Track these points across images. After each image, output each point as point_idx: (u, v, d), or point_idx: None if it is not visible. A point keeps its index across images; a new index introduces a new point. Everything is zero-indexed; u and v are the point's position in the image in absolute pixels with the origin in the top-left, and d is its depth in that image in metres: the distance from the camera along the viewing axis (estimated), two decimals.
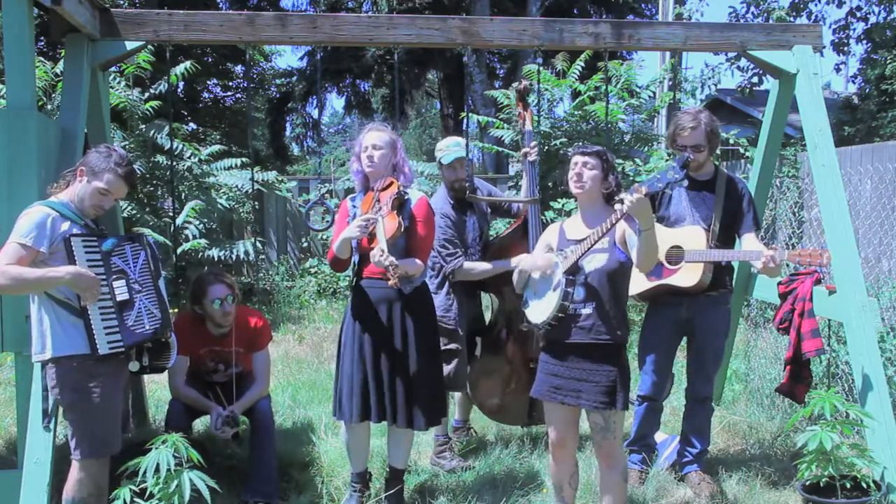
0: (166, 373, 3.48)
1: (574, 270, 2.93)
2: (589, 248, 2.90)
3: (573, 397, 2.96)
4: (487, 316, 4.52)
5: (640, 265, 2.94)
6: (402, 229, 3.27)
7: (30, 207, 2.95)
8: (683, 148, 3.67)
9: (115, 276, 2.94)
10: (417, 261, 3.34)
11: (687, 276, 3.61)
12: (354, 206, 3.48)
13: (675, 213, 3.74)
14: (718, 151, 8.04)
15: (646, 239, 2.84)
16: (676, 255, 3.65)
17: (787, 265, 3.95)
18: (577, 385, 2.95)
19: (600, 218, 2.99)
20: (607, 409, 2.92)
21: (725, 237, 3.70)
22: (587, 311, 2.92)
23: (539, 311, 3.03)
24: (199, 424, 4.21)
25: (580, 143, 3.14)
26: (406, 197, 3.37)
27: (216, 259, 7.83)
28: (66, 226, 2.92)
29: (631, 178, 7.11)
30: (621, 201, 2.79)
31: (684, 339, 3.84)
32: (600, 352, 2.93)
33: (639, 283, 3.68)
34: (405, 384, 3.34)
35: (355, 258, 3.45)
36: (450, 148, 4.11)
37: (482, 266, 4.04)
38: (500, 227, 6.61)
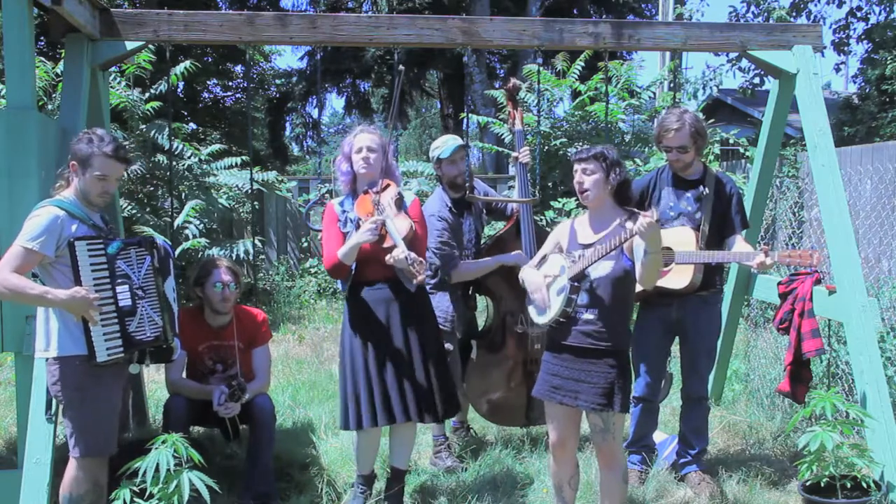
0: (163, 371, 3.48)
1: (580, 277, 2.93)
2: (596, 260, 2.91)
3: (571, 398, 2.96)
4: (480, 319, 4.52)
5: (642, 282, 2.95)
6: (413, 229, 3.30)
7: (38, 207, 2.90)
8: (669, 149, 3.66)
9: (119, 281, 2.90)
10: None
11: (677, 278, 3.61)
12: (345, 211, 3.44)
13: (664, 213, 3.73)
14: (718, 151, 8.06)
15: (651, 261, 2.84)
16: (666, 256, 3.63)
17: (779, 266, 3.95)
18: (575, 386, 2.95)
19: (609, 219, 3.00)
20: (604, 410, 2.92)
21: (715, 237, 3.68)
22: (590, 315, 2.93)
23: (542, 311, 3.04)
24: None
25: (578, 149, 3.12)
26: (403, 198, 3.42)
27: None
28: (74, 227, 2.89)
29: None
30: (634, 219, 2.76)
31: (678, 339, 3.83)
32: (600, 355, 2.93)
33: None
34: (427, 379, 3.37)
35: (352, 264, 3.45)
36: (447, 142, 4.12)
37: (479, 264, 4.05)
38: (498, 227, 6.60)
